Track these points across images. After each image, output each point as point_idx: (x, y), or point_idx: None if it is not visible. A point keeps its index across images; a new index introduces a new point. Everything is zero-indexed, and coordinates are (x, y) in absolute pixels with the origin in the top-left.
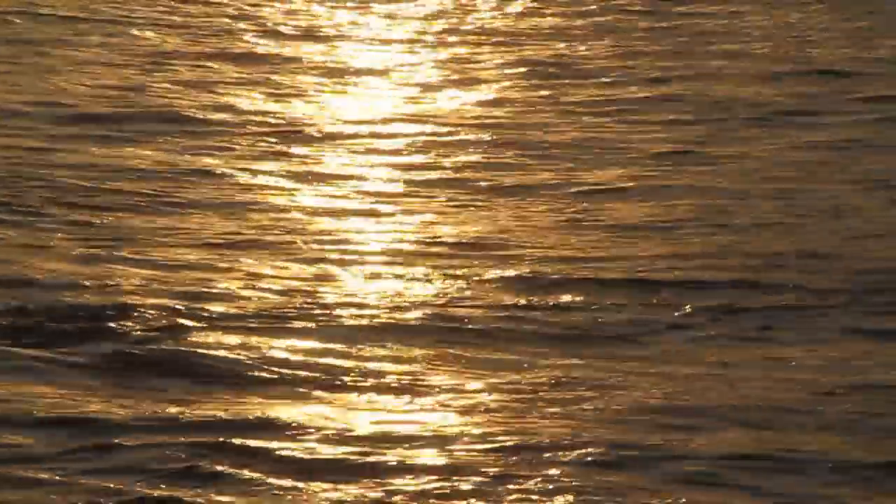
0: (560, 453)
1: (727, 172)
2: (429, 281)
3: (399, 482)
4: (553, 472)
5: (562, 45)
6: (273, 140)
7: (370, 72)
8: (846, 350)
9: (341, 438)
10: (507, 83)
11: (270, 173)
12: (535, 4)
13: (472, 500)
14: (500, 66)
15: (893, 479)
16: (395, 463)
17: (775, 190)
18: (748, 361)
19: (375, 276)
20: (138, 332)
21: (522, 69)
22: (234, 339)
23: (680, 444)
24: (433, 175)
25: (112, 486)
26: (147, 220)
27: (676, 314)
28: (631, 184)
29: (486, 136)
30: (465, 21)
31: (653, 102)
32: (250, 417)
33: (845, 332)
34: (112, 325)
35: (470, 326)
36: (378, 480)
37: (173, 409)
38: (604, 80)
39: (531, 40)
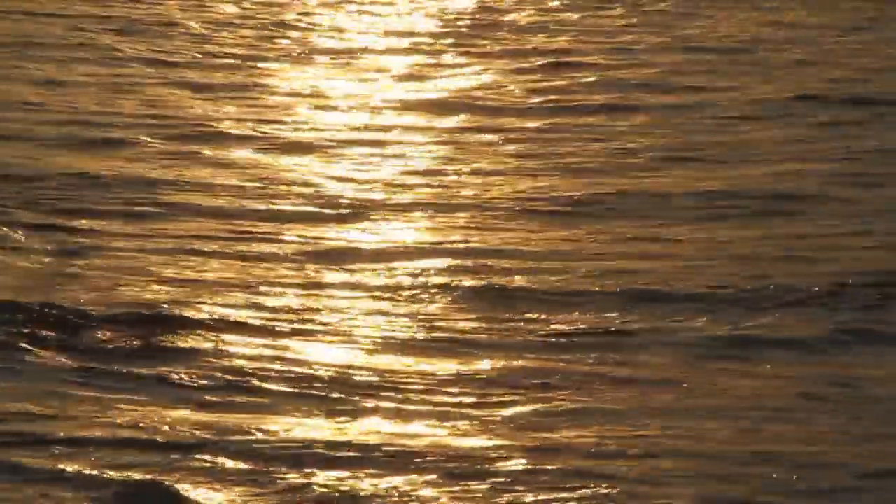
0: (543, 455)
1: (713, 172)
2: (409, 289)
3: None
4: (537, 473)
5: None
6: (253, 147)
7: (357, 76)
8: (830, 351)
9: (311, 439)
10: (504, 87)
11: (247, 180)
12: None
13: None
14: (498, 70)
15: (875, 483)
16: (380, 463)
17: (760, 187)
18: (732, 362)
19: (356, 284)
20: (106, 338)
21: (519, 69)
22: (207, 345)
23: (663, 444)
24: (417, 181)
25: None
26: (121, 226)
27: (662, 317)
28: (621, 187)
29: (478, 144)
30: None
31: (650, 107)
32: (223, 425)
33: (830, 333)
34: (81, 330)
35: (451, 335)
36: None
37: (139, 415)
38: (597, 80)
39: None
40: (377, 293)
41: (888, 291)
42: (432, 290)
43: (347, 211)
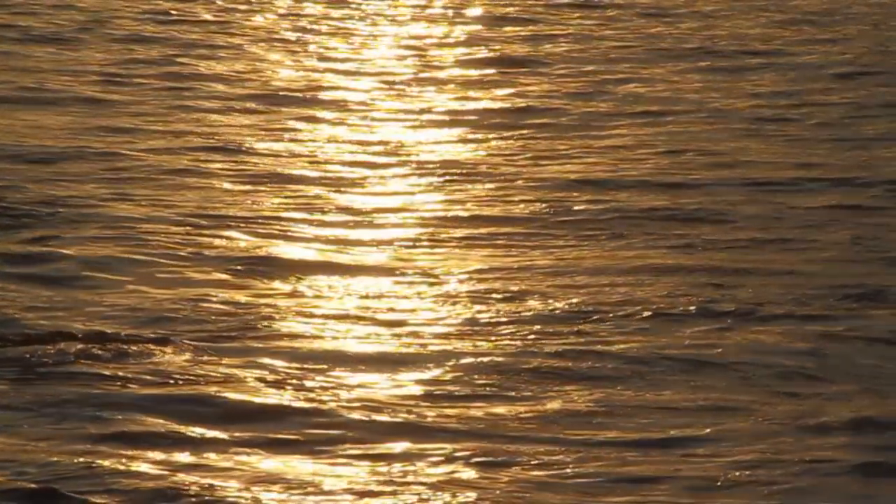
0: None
1: (698, 167)
2: (380, 297)
3: None
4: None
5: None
6: (242, 159)
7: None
8: (801, 349)
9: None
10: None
11: (221, 192)
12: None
13: None
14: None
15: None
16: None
17: (748, 187)
18: (711, 361)
19: (340, 292)
20: (47, 356)
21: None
22: (187, 352)
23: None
24: (403, 186)
25: None
26: (80, 243)
27: (636, 320)
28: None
29: (475, 156)
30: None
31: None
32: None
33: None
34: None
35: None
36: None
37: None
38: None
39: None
40: (356, 305)
41: None
42: (408, 304)
43: (366, 220)
